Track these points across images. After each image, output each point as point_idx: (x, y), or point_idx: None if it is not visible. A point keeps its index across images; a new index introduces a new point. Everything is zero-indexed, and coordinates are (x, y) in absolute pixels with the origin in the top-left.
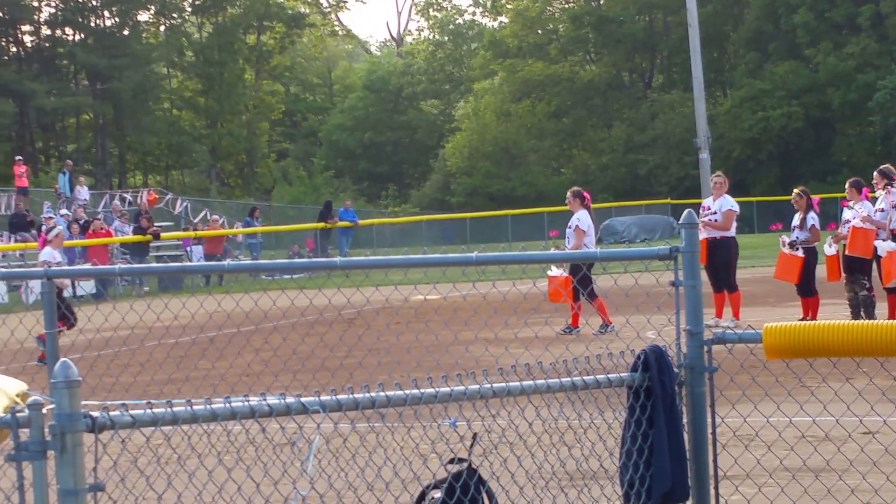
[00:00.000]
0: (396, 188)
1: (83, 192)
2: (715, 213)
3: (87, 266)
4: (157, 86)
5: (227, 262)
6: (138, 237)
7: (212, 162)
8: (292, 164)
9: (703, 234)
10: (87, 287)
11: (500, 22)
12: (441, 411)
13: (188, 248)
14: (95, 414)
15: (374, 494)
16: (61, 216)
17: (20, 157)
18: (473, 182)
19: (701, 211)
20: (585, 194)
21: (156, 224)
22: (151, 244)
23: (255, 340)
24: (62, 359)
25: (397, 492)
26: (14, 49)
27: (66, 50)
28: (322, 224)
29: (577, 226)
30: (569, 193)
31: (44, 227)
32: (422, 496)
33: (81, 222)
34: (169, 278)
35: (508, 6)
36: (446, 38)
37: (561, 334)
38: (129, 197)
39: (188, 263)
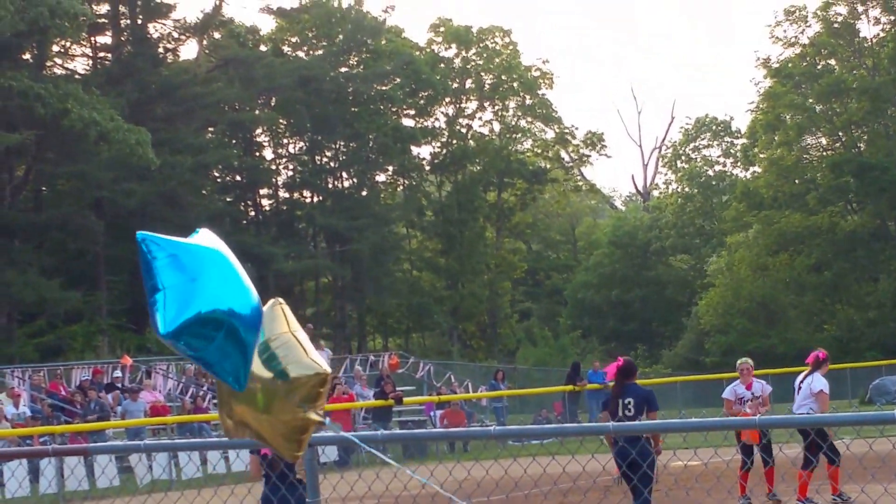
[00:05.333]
0: (646, 348)
1: (325, 356)
2: None
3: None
4: (397, 246)
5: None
6: (381, 402)
7: (453, 323)
8: (536, 325)
9: None
10: (330, 453)
11: (753, 172)
12: None
13: (431, 413)
14: None
15: None
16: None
17: None
18: (729, 340)
19: None
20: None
21: (398, 388)
22: (394, 409)
23: None
24: None
25: None
26: (252, 213)
27: (305, 212)
28: (571, 387)
29: (821, 389)
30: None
31: None
32: None
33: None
34: (414, 444)
35: (762, 155)
36: (696, 191)
37: None
38: (370, 359)
39: (493, 427)
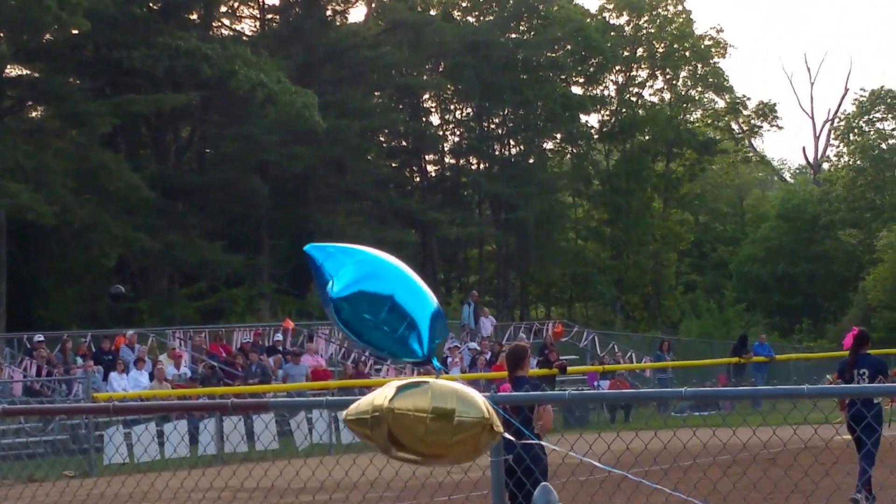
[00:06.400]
0: (811, 322)
1: (487, 324)
2: None
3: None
4: (563, 215)
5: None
6: (544, 370)
7: (617, 294)
8: (701, 297)
9: None
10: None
11: None
12: None
13: (595, 383)
14: None
15: None
16: (468, 349)
17: None
18: None
19: None
20: None
21: (561, 357)
22: (557, 378)
23: (666, 483)
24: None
25: None
26: (418, 179)
27: (470, 179)
28: (736, 359)
29: None
30: None
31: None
32: None
33: (488, 355)
34: (574, 414)
35: None
36: (868, 164)
37: None
38: (535, 327)
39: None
